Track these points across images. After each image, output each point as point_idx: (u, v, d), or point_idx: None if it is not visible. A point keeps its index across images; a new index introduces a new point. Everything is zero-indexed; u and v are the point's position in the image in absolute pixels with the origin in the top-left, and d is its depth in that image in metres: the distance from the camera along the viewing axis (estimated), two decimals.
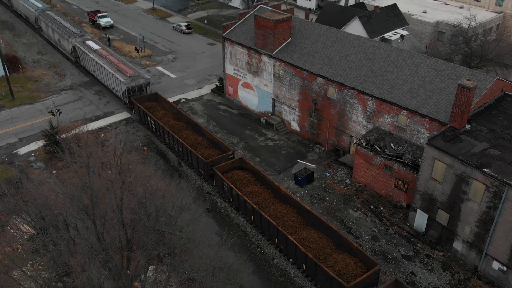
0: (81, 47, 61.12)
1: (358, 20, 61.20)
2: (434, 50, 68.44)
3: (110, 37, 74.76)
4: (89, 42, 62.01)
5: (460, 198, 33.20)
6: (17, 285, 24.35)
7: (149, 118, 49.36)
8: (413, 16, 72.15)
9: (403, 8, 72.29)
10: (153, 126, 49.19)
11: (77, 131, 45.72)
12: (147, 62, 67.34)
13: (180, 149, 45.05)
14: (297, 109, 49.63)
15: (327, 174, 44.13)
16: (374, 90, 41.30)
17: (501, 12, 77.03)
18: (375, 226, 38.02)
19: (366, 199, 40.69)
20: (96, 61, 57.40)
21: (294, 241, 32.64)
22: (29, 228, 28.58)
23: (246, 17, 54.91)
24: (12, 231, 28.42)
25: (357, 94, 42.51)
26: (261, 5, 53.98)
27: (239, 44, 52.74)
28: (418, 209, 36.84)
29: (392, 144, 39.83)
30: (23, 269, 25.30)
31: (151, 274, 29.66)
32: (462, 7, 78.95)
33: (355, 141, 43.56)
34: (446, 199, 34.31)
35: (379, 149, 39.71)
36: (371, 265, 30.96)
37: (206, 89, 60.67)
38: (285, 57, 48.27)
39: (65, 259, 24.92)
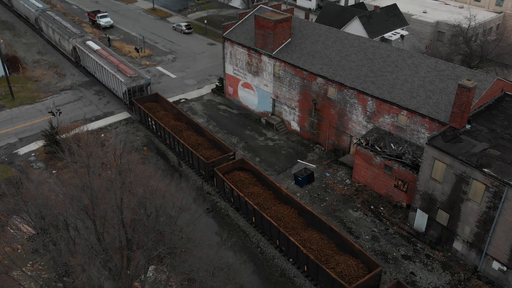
0: (81, 47, 61.10)
1: (358, 20, 61.21)
2: (434, 50, 68.46)
3: (110, 37, 74.77)
4: (90, 43, 61.99)
5: (460, 198, 33.20)
6: (17, 285, 24.35)
7: (149, 119, 49.29)
8: (413, 16, 72.17)
9: (403, 8, 72.31)
10: (154, 126, 49.12)
11: (77, 131, 45.72)
12: (147, 62, 67.35)
13: (181, 149, 44.94)
14: (297, 109, 49.64)
15: (327, 174, 44.13)
16: (374, 90, 41.30)
17: (501, 12, 77.04)
18: (375, 226, 38.02)
19: (366, 199, 40.70)
20: (96, 62, 57.37)
21: (296, 243, 32.47)
22: (29, 228, 28.59)
23: (246, 17, 54.92)
24: (12, 231, 28.42)
25: (357, 94, 42.51)
26: (261, 5, 53.98)
27: (239, 44, 52.75)
28: (418, 209, 36.84)
29: (392, 144, 39.83)
30: (23, 269, 25.30)
31: (151, 274, 29.67)
32: (462, 7, 78.96)
33: (355, 141, 43.57)
34: (446, 199, 34.31)
35: (379, 149, 39.71)
36: (373, 267, 30.75)
37: (206, 89, 60.68)
38: (285, 57, 48.28)
39: (65, 259, 24.91)
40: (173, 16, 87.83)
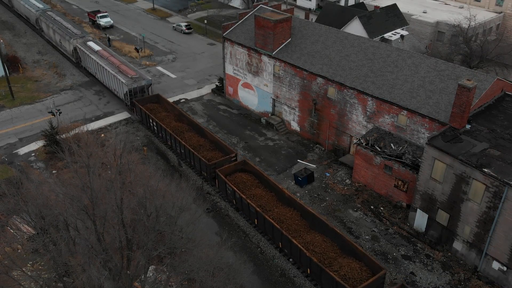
0: (82, 48, 61.06)
1: (358, 20, 61.21)
2: (434, 50, 68.47)
3: (110, 37, 74.78)
4: (91, 43, 61.95)
5: (460, 198, 33.20)
6: (17, 285, 24.35)
7: (151, 120, 49.14)
8: (413, 16, 72.18)
9: (403, 8, 72.31)
10: (155, 128, 48.99)
11: (77, 131, 45.74)
12: (147, 62, 67.36)
13: (182, 151, 44.67)
14: (297, 109, 49.64)
15: (327, 174, 44.13)
16: (374, 90, 41.31)
17: (501, 12, 77.05)
18: (375, 226, 38.02)
19: (366, 199, 40.70)
20: (97, 62, 57.30)
21: (299, 245, 32.19)
22: (29, 228, 28.60)
23: (246, 17, 54.92)
24: (12, 231, 28.42)
25: (357, 94, 42.52)
26: (261, 5, 53.99)
27: (239, 44, 52.76)
28: (418, 209, 36.84)
29: (392, 144, 39.84)
30: (23, 269, 25.30)
31: (151, 274, 29.68)
32: (462, 7, 78.98)
33: (355, 141, 43.57)
34: (446, 199, 34.31)
35: (379, 149, 39.71)
36: (377, 270, 30.44)
37: (206, 89, 60.68)
38: (285, 57, 48.28)
39: (65, 259, 24.92)
40: (173, 16, 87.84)
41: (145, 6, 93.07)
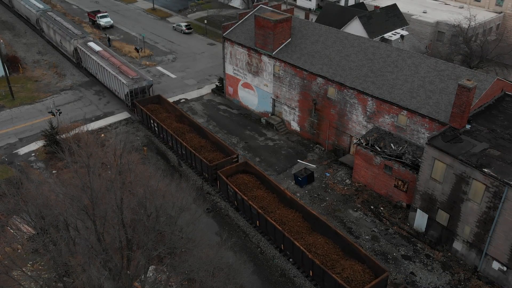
0: (83, 48, 61.02)
1: (358, 20, 61.22)
2: (434, 50, 68.48)
3: (110, 37, 74.79)
4: (91, 44, 61.90)
5: (460, 198, 33.20)
6: (17, 285, 24.36)
7: (152, 121, 49.05)
8: (413, 16, 72.18)
9: (403, 8, 72.32)
10: (156, 128, 48.89)
11: (77, 131, 45.74)
12: (147, 62, 67.37)
13: (183, 152, 44.51)
14: (297, 109, 49.64)
15: (327, 174, 44.14)
16: (374, 90, 41.31)
17: (501, 12, 77.06)
18: (375, 226, 38.02)
19: (366, 199, 40.70)
20: (98, 63, 57.24)
21: (301, 247, 32.02)
22: (29, 228, 28.60)
23: (246, 17, 54.93)
24: (12, 231, 28.44)
25: (357, 94, 42.52)
26: (261, 5, 53.99)
27: (239, 44, 52.76)
28: (418, 209, 36.85)
29: (392, 144, 39.84)
30: (23, 269, 25.31)
31: (151, 274, 29.68)
32: (462, 7, 78.98)
33: (355, 141, 43.57)
34: (446, 199, 34.31)
35: (379, 149, 39.72)
36: (380, 272, 30.28)
37: (206, 89, 60.69)
38: (285, 57, 48.29)
39: (65, 259, 24.93)
40: (173, 16, 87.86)
41: (145, 6, 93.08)
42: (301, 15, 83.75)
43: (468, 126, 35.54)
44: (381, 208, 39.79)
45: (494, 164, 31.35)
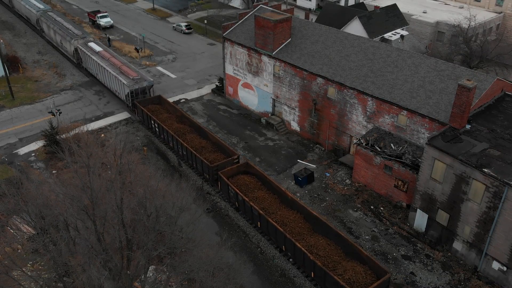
0: (83, 49, 60.98)
1: (358, 20, 61.22)
2: (434, 50, 68.48)
3: (110, 37, 74.79)
4: (92, 44, 61.87)
5: (460, 198, 33.21)
6: (17, 285, 24.36)
7: (152, 121, 49.01)
8: (413, 16, 72.18)
9: (403, 8, 72.33)
10: (157, 129, 48.84)
11: (77, 131, 45.75)
12: (147, 62, 67.38)
13: (184, 153, 44.43)
14: (297, 109, 49.65)
15: (327, 174, 44.14)
16: (374, 90, 41.31)
17: (501, 12, 77.06)
18: (375, 226, 38.02)
19: (366, 199, 40.70)
20: (98, 63, 57.21)
21: (302, 249, 31.93)
22: (29, 228, 28.61)
23: (246, 17, 54.93)
24: (12, 231, 28.44)
25: (357, 94, 42.52)
26: (261, 5, 54.00)
27: (239, 44, 52.76)
28: (418, 209, 36.85)
29: (392, 144, 39.84)
30: (23, 269, 25.31)
31: (151, 274, 29.68)
32: (462, 7, 78.99)
33: (355, 141, 43.57)
34: (446, 199, 34.31)
35: (379, 149, 39.72)
36: (381, 273, 30.21)
37: (206, 89, 60.69)
38: (285, 57, 48.29)
39: (65, 259, 24.93)
40: (173, 16, 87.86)
41: (145, 6, 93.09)
42: (301, 15, 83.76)
43: (468, 126, 35.54)
44: (381, 208, 39.79)
45: (494, 164, 31.36)
